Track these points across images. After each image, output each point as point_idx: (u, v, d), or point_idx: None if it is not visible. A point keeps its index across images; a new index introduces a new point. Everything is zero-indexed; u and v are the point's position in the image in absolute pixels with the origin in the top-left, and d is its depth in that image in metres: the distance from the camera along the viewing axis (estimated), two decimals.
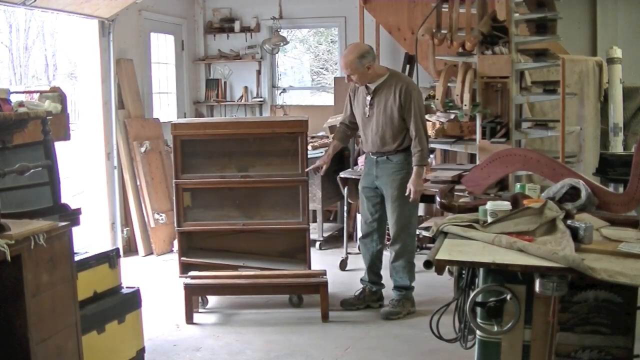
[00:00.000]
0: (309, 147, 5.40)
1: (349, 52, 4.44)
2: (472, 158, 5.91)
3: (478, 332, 2.42)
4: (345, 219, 6.14)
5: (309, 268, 4.86)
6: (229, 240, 5.04)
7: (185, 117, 7.67)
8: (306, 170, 4.73)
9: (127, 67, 6.46)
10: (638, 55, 7.06)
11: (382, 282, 4.78)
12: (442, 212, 3.39)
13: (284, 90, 8.16)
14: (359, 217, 5.06)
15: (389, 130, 4.44)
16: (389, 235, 4.74)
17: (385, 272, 4.76)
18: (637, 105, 6.80)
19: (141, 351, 3.80)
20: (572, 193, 2.88)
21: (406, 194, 4.42)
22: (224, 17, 7.97)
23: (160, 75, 7.47)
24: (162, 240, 6.43)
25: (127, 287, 3.75)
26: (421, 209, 6.35)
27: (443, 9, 5.03)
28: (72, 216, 3.23)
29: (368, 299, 4.71)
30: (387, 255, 4.79)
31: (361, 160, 5.62)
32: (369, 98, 4.48)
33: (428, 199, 5.81)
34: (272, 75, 8.13)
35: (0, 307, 2.64)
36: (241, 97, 8.03)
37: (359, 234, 4.86)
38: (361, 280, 4.80)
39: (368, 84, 4.48)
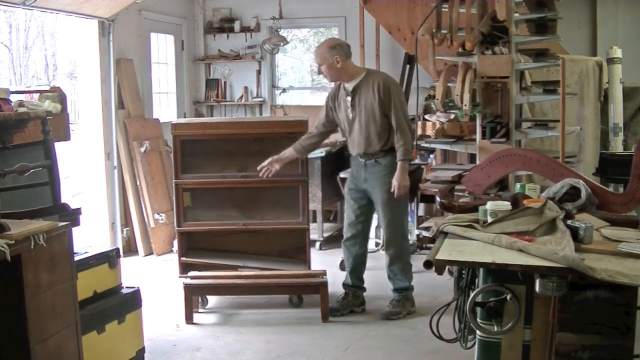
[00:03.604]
0: None
1: (323, 42, 4.53)
2: (472, 158, 5.91)
3: (478, 332, 2.42)
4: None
5: (309, 268, 4.85)
6: (229, 240, 5.03)
7: (185, 117, 7.67)
8: (258, 168, 4.53)
9: (127, 67, 6.46)
10: (638, 55, 7.06)
11: (365, 285, 4.73)
12: (442, 212, 3.38)
13: (284, 90, 8.16)
14: None
15: (373, 129, 4.36)
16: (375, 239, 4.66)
17: (377, 273, 4.74)
18: (637, 105, 6.81)
19: (141, 351, 3.80)
20: (572, 193, 2.88)
21: (391, 190, 4.38)
22: (224, 17, 7.97)
23: (160, 75, 7.47)
24: (162, 240, 6.43)
25: (127, 287, 3.74)
26: (421, 209, 6.35)
27: (443, 9, 5.03)
28: (72, 216, 3.23)
29: (351, 303, 4.65)
30: (374, 257, 4.77)
31: None
32: (349, 99, 4.41)
33: (428, 199, 5.83)
34: (272, 75, 8.14)
35: (0, 307, 2.64)
36: (241, 97, 8.03)
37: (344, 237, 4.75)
38: (344, 285, 4.71)
39: (346, 86, 4.42)
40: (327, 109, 4.57)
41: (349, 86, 4.41)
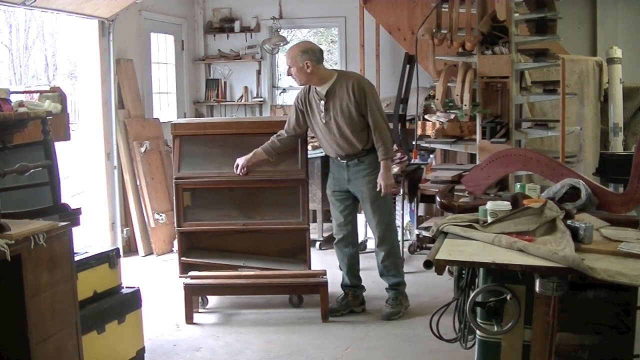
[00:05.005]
0: (309, 147, 5.39)
1: (295, 44, 4.49)
2: (472, 158, 5.92)
3: (478, 332, 2.42)
4: None
5: (309, 268, 4.85)
6: (229, 240, 5.03)
7: (185, 117, 7.67)
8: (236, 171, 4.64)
9: (127, 67, 6.46)
10: (638, 55, 7.07)
11: (363, 284, 4.73)
12: (442, 212, 3.38)
13: (284, 90, 8.16)
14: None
15: (351, 130, 4.33)
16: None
17: (375, 273, 4.73)
18: (637, 105, 6.81)
19: (141, 351, 3.80)
20: (572, 193, 2.88)
21: (377, 189, 4.36)
22: (224, 17, 7.98)
23: (160, 75, 7.47)
24: (162, 240, 6.43)
25: (127, 287, 3.75)
26: (421, 209, 6.35)
27: (443, 9, 5.03)
28: (72, 216, 3.23)
29: (351, 303, 4.65)
30: (367, 256, 4.76)
31: None
32: (322, 104, 4.37)
33: (428, 199, 5.83)
34: (272, 75, 8.14)
35: (0, 307, 2.64)
36: (241, 97, 8.04)
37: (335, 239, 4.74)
38: (342, 286, 4.72)
39: (318, 89, 4.38)
40: (297, 112, 4.52)
41: (322, 90, 4.36)
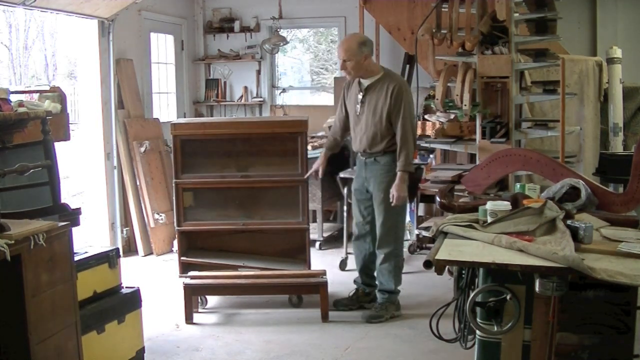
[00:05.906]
0: (309, 147, 5.40)
1: (350, 37, 4.51)
2: (472, 158, 5.91)
3: (478, 332, 2.42)
4: (345, 219, 6.13)
5: (309, 268, 4.85)
6: (229, 240, 5.03)
7: (185, 117, 7.68)
8: (306, 176, 4.68)
9: (127, 67, 6.46)
10: (638, 55, 7.06)
11: (376, 283, 4.74)
12: (442, 212, 3.38)
13: (284, 90, 8.16)
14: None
15: (377, 131, 4.37)
16: None
17: None
18: (637, 105, 6.80)
19: (141, 351, 3.80)
20: (572, 193, 2.88)
21: (389, 201, 4.35)
22: (223, 17, 7.98)
23: (160, 75, 7.47)
24: (162, 240, 6.43)
25: (127, 287, 3.75)
26: (421, 209, 6.35)
27: (443, 9, 5.03)
28: (72, 216, 3.23)
29: (362, 299, 4.68)
30: None
31: None
32: (360, 96, 4.42)
33: (428, 199, 5.83)
34: (272, 75, 8.14)
35: (0, 307, 2.64)
36: (241, 97, 8.03)
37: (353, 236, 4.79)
38: (354, 281, 4.76)
39: (361, 80, 4.42)
40: (342, 101, 4.62)
41: (365, 82, 4.42)
